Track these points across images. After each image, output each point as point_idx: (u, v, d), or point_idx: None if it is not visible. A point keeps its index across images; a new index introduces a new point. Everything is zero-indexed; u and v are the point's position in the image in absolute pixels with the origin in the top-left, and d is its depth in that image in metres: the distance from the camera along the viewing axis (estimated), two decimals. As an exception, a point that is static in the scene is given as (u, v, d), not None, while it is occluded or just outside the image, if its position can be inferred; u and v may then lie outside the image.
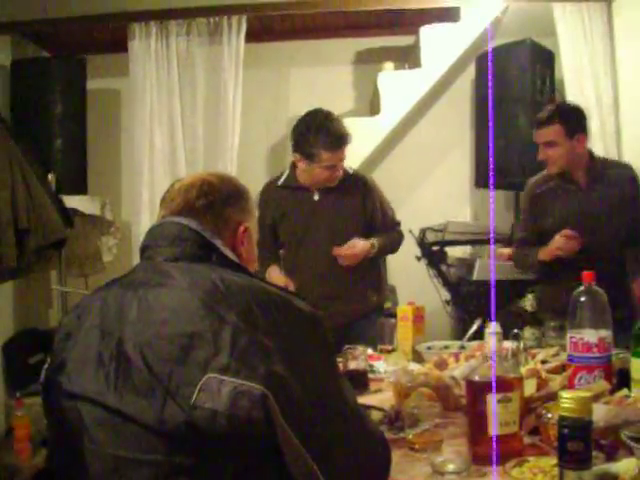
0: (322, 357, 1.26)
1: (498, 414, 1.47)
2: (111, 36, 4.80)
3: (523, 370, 1.86)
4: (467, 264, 3.87)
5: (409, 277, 4.65)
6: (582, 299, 1.78)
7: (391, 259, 4.85)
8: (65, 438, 1.24)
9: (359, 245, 3.03)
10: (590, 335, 1.74)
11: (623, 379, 1.79)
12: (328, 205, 3.11)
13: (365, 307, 3.15)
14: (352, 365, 2.29)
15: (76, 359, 1.25)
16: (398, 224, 3.32)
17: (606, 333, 1.76)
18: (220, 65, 4.55)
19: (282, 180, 3.20)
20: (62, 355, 1.29)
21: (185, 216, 1.39)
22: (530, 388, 1.70)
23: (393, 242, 3.25)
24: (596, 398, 1.57)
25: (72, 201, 4.35)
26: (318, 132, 2.97)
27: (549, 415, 1.53)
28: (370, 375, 2.36)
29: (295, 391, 1.16)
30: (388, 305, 4.52)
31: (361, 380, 2.23)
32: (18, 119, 4.41)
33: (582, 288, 1.80)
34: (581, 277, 1.79)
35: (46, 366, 1.37)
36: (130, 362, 1.18)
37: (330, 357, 1.29)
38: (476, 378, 1.53)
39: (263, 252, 2.79)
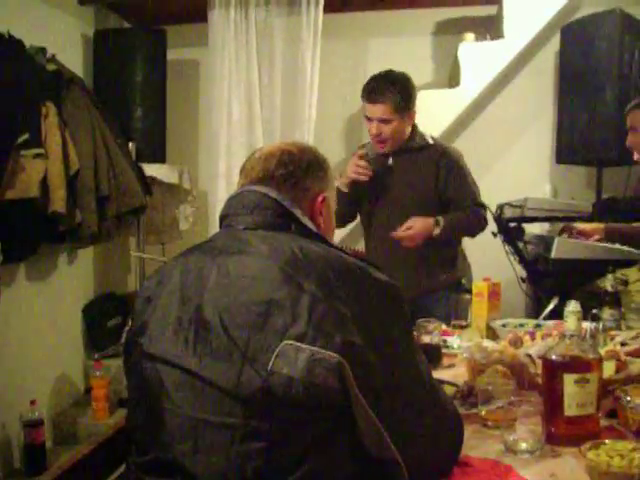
0: (398, 328, 1.26)
1: (574, 395, 1.44)
2: (191, 5, 4.84)
3: (602, 351, 1.82)
4: (545, 241, 3.76)
5: (484, 253, 4.55)
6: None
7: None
8: (145, 398, 1.28)
9: (417, 224, 2.92)
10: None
11: None
12: (400, 171, 3.05)
13: (432, 284, 3.07)
14: (425, 339, 2.27)
15: (156, 322, 1.28)
16: (480, 205, 3.15)
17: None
18: (298, 36, 4.55)
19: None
20: (143, 318, 1.32)
21: (265, 185, 1.40)
22: (609, 370, 1.66)
23: (468, 223, 3.11)
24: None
25: (151, 169, 4.44)
26: (368, 81, 3.06)
27: (627, 398, 1.49)
28: (443, 350, 2.34)
29: (371, 361, 1.16)
30: (463, 281, 4.49)
31: (434, 354, 2.21)
32: (100, 88, 4.51)
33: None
34: None
35: (127, 328, 1.41)
36: (209, 327, 1.20)
37: (406, 328, 1.29)
38: (553, 357, 1.50)
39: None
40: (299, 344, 1.13)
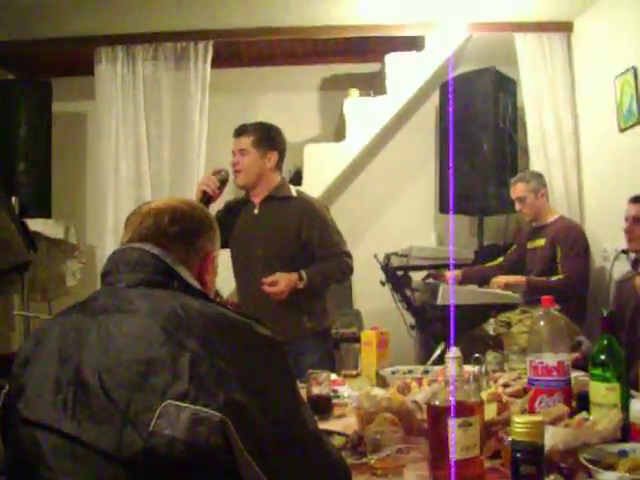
0: (282, 382, 1.26)
1: (459, 438, 1.48)
2: (77, 59, 4.79)
3: (484, 394, 1.88)
4: (431, 288, 3.90)
5: (374, 301, 4.68)
6: (541, 323, 1.81)
7: (356, 283, 4.90)
8: (22, 467, 1.22)
9: (282, 281, 2.94)
10: (549, 359, 1.77)
11: (583, 402, 1.81)
12: (264, 220, 3.10)
13: (297, 332, 3.04)
14: (315, 390, 2.28)
15: (34, 385, 1.24)
16: (344, 254, 3.14)
17: (565, 357, 1.79)
18: (186, 90, 4.59)
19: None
20: (20, 381, 1.27)
21: (154, 241, 1.39)
22: (491, 412, 1.72)
23: (332, 273, 3.13)
24: (555, 421, 1.59)
25: (36, 224, 4.30)
26: None
27: (509, 439, 1.54)
28: (334, 400, 2.36)
29: (255, 417, 1.16)
30: (354, 329, 4.56)
31: (325, 405, 2.22)
32: (-19, 142, 4.38)
33: (541, 313, 1.83)
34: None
35: (4, 392, 1.35)
36: (88, 388, 1.17)
37: (290, 382, 1.29)
38: (437, 402, 1.54)
39: None
40: (180, 403, 1.11)
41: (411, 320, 4.33)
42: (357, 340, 4.32)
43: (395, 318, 4.48)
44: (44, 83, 4.63)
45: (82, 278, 4.82)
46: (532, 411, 1.78)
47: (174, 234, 1.41)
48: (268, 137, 3.11)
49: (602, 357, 1.73)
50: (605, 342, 1.73)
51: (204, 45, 4.56)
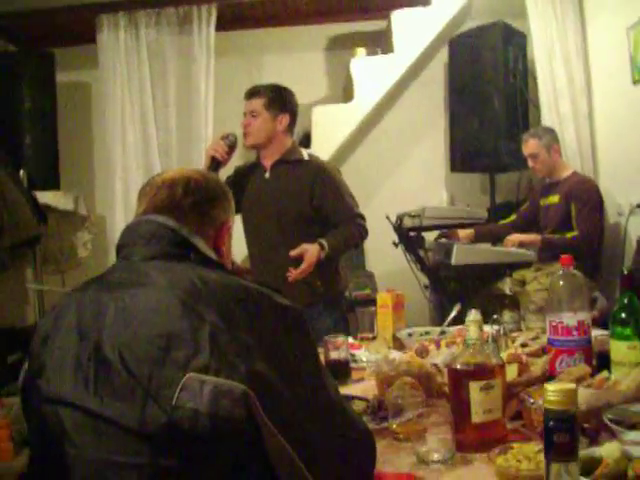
0: (303, 352, 1.25)
1: (481, 402, 1.47)
2: (79, 27, 4.72)
3: (504, 355, 1.87)
4: (445, 248, 3.87)
5: (387, 262, 4.67)
6: (560, 283, 1.79)
7: (368, 245, 4.87)
8: (46, 443, 1.22)
9: (309, 254, 2.91)
10: (569, 319, 1.75)
11: (603, 361, 1.79)
12: (276, 184, 3.07)
13: (310, 297, 3.02)
14: (333, 355, 2.27)
15: (54, 362, 1.23)
16: (359, 216, 3.12)
17: (585, 316, 1.77)
18: (191, 55, 4.53)
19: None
20: (40, 358, 1.26)
21: (168, 212, 1.37)
22: (512, 373, 1.70)
23: (349, 238, 3.10)
24: (577, 382, 1.58)
25: (45, 197, 4.29)
26: None
27: (531, 400, 1.53)
28: (352, 365, 2.35)
29: (277, 388, 1.15)
30: (368, 291, 4.56)
31: (343, 370, 2.22)
32: (-14, 116, 4.35)
33: (560, 272, 1.81)
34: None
35: (24, 369, 1.35)
36: (109, 364, 1.16)
37: (311, 351, 1.28)
38: (457, 366, 1.53)
39: None
40: (203, 376, 1.10)
41: (425, 280, 4.31)
42: (372, 302, 4.32)
43: (409, 279, 4.46)
44: (47, 54, 4.59)
45: (93, 248, 4.82)
46: (553, 371, 1.76)
47: (189, 205, 1.39)
48: (280, 99, 3.06)
49: (622, 315, 1.71)
50: (625, 300, 1.70)
51: (207, 8, 4.49)
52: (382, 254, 4.64)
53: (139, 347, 1.15)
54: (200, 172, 1.50)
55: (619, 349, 1.72)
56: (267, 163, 3.10)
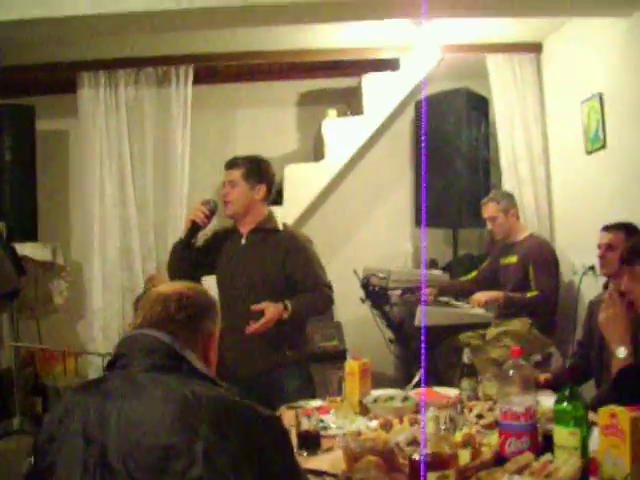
0: (286, 459, 1.43)
1: (437, 489, 1.65)
2: (60, 82, 4.87)
3: (459, 435, 2.06)
4: (409, 307, 4.08)
5: (354, 313, 4.85)
6: (510, 373, 1.99)
7: (336, 296, 5.06)
8: None
9: (269, 312, 3.03)
10: (518, 405, 1.94)
11: (548, 442, 1.99)
12: (251, 251, 3.22)
13: (277, 360, 3.17)
14: (305, 425, 2.43)
15: (63, 463, 1.39)
16: (326, 286, 3.26)
17: (532, 402, 1.96)
18: (168, 112, 4.72)
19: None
20: (49, 458, 1.42)
21: (163, 326, 1.54)
22: (464, 458, 1.89)
23: (314, 305, 3.25)
24: (521, 470, 1.77)
25: (24, 248, 4.40)
26: None
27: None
28: (322, 432, 2.51)
29: None
30: (335, 343, 4.73)
31: (314, 441, 2.37)
32: (-33, 168, 4.47)
33: (510, 362, 2.01)
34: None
35: (28, 462, 1.50)
36: (113, 471, 1.33)
37: (292, 456, 1.47)
38: (416, 457, 1.71)
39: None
40: None
41: (390, 334, 4.51)
42: (339, 354, 4.52)
43: (374, 330, 4.67)
44: (27, 107, 4.71)
45: (69, 295, 4.94)
46: (503, 451, 1.95)
47: (181, 320, 1.56)
48: (258, 170, 3.23)
49: (564, 404, 1.90)
50: (567, 392, 1.90)
51: (185, 68, 4.68)
52: (349, 304, 4.82)
53: (141, 457, 1.32)
54: (191, 287, 1.67)
55: (561, 434, 1.91)
56: (244, 230, 3.26)
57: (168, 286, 1.66)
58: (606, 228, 3.27)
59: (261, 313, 3.05)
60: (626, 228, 3.19)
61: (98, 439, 1.38)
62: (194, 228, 3.20)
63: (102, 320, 4.61)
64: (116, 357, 1.55)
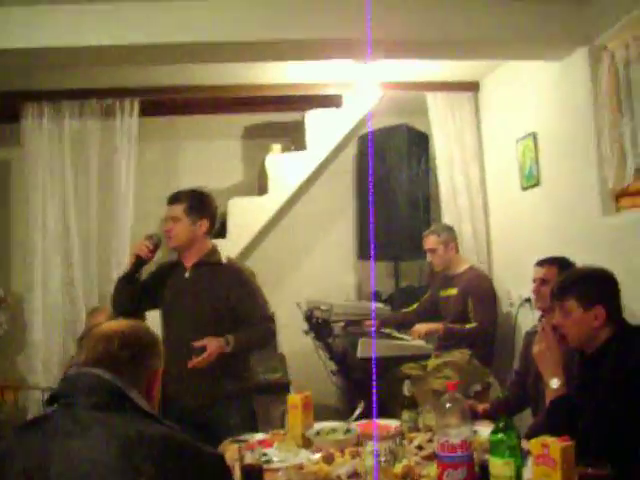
0: None
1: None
2: (3, 108, 4.82)
3: (399, 467, 2.12)
4: (351, 339, 4.15)
5: (297, 345, 4.88)
6: (447, 405, 2.06)
7: (280, 328, 5.09)
8: None
9: (211, 345, 3.05)
10: (455, 437, 2.01)
11: (484, 471, 2.06)
12: (195, 284, 3.25)
13: (219, 393, 3.19)
14: (248, 457, 2.45)
15: None
16: (269, 319, 3.33)
17: (468, 434, 2.04)
18: (113, 144, 4.71)
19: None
20: None
21: (106, 365, 1.55)
22: (404, 489, 1.95)
23: (257, 338, 3.30)
24: (458, 500, 1.84)
25: (-39, 281, 4.34)
26: None
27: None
28: (264, 465, 2.53)
29: None
30: (279, 375, 4.75)
31: (257, 475, 2.39)
32: None
33: (447, 395, 2.08)
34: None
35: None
36: None
37: None
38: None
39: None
40: None
41: (333, 365, 4.56)
42: (283, 386, 4.54)
43: (317, 361, 4.71)
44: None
45: (9, 328, 4.86)
46: (441, 482, 2.02)
47: (124, 358, 1.59)
48: (200, 205, 3.27)
49: (499, 436, 1.98)
50: (501, 424, 1.98)
51: (130, 101, 4.69)
52: (293, 337, 4.86)
53: None
54: (133, 324, 1.70)
55: (496, 464, 1.98)
56: (188, 263, 3.29)
57: (111, 324, 1.68)
58: (540, 263, 3.39)
59: (203, 348, 3.07)
60: (559, 262, 3.31)
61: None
62: (138, 262, 3.22)
63: (43, 353, 4.53)
64: (59, 395, 1.56)
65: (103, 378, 1.54)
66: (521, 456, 2.02)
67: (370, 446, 1.77)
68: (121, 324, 1.68)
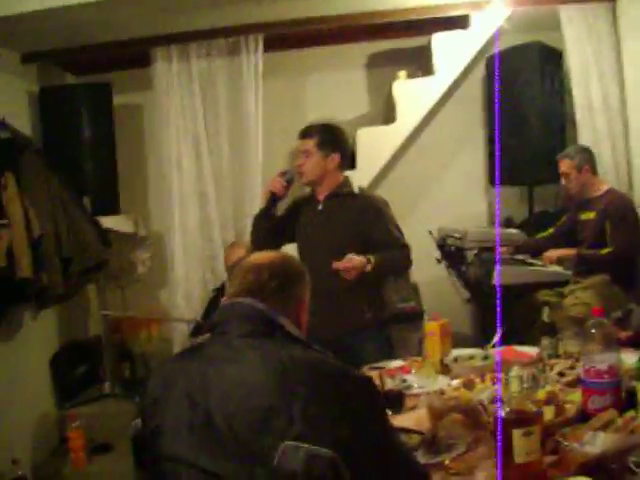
0: (377, 416, 1.52)
1: (522, 446, 1.69)
2: (134, 57, 4.99)
3: (542, 393, 2.09)
4: (486, 267, 4.07)
5: (430, 274, 4.87)
6: (592, 331, 2.00)
7: (413, 258, 5.11)
8: None
9: (355, 259, 3.09)
10: (601, 363, 1.96)
11: (631, 398, 2.00)
12: (329, 216, 3.30)
13: (358, 322, 3.25)
14: (389, 383, 2.51)
15: (170, 426, 1.50)
16: (405, 247, 3.33)
17: (615, 360, 1.98)
18: (240, 82, 4.78)
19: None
20: (155, 421, 1.54)
21: (257, 294, 1.62)
22: (549, 413, 1.93)
23: (395, 261, 3.30)
24: (606, 426, 1.80)
25: (107, 221, 4.60)
26: None
27: (566, 443, 1.75)
28: (405, 391, 2.58)
29: (359, 451, 1.42)
30: (412, 304, 4.76)
31: (398, 401, 2.44)
32: (50, 146, 4.64)
33: (592, 321, 2.02)
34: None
35: (135, 425, 1.62)
36: (219, 431, 1.43)
37: (383, 415, 1.55)
38: (502, 415, 1.75)
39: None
40: (298, 443, 1.36)
41: (466, 293, 4.53)
42: (416, 315, 4.56)
43: (450, 289, 4.69)
44: (104, 84, 4.85)
45: (152, 265, 5.13)
46: (586, 408, 1.98)
47: (273, 288, 1.65)
48: (331, 139, 3.30)
49: (648, 359, 1.92)
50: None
51: (254, 37, 4.71)
52: (425, 266, 4.83)
53: (244, 418, 1.42)
54: (281, 255, 1.76)
55: (645, 390, 1.92)
56: (320, 196, 3.34)
57: (260, 255, 1.74)
58: None
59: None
60: None
61: (202, 402, 1.47)
62: (273, 199, 3.30)
63: (184, 288, 4.76)
64: (214, 324, 1.64)
65: (255, 307, 1.60)
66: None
67: (515, 371, 1.75)
68: (270, 255, 1.74)
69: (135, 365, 5.07)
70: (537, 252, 4.42)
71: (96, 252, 4.16)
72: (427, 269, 4.80)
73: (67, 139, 4.67)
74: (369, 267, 3.12)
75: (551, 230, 4.53)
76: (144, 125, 5.43)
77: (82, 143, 4.68)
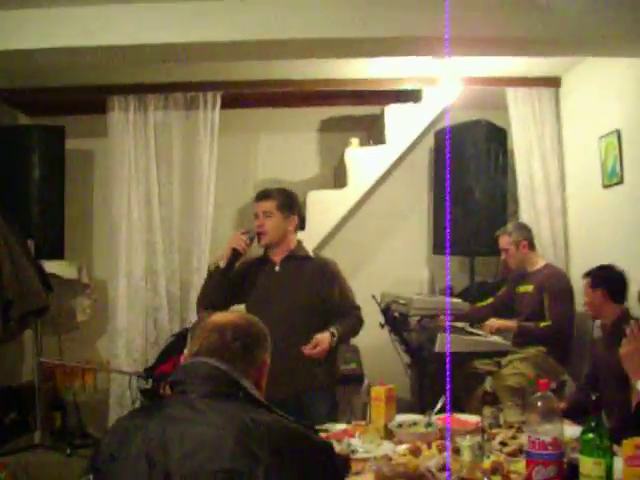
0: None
1: (471, 514, 1.74)
2: (90, 103, 5.00)
3: (488, 463, 2.15)
4: (429, 334, 4.17)
5: (371, 337, 4.90)
6: (538, 404, 2.08)
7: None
8: None
9: (324, 341, 3.20)
10: (545, 435, 2.03)
11: (573, 471, 2.07)
12: (286, 277, 3.35)
13: (312, 384, 3.29)
14: (336, 448, 2.51)
15: None
16: (358, 308, 3.47)
17: (559, 432, 2.05)
18: (196, 136, 4.84)
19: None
20: (110, 477, 1.52)
21: (219, 355, 1.63)
22: (495, 483, 1.99)
23: (353, 327, 3.45)
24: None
25: (50, 266, 4.53)
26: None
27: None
28: (350, 455, 2.60)
29: None
30: (354, 366, 4.80)
31: (345, 465, 2.45)
32: (-1, 185, 4.58)
33: (538, 394, 2.10)
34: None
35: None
36: None
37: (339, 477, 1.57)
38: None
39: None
40: None
41: (407, 358, 4.59)
42: (358, 378, 4.60)
43: (391, 354, 4.74)
44: (57, 128, 4.83)
45: (92, 313, 5.04)
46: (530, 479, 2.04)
47: (237, 349, 1.66)
48: (289, 202, 3.39)
49: (590, 435, 1.99)
50: (593, 423, 1.99)
51: (212, 94, 4.81)
52: (367, 328, 4.89)
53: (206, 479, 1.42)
54: (244, 317, 1.77)
55: (587, 463, 2.00)
56: (276, 258, 3.38)
57: (223, 315, 1.76)
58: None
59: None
60: None
61: (161, 462, 1.46)
62: (234, 255, 3.32)
63: (125, 337, 4.70)
64: (174, 383, 1.65)
65: (218, 367, 1.61)
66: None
67: (467, 440, 1.81)
68: (233, 316, 1.76)
69: (67, 415, 4.94)
70: (475, 321, 4.54)
71: (38, 297, 4.08)
72: (369, 333, 4.85)
73: (16, 179, 4.63)
74: (334, 340, 3.24)
75: (490, 300, 4.67)
76: (95, 171, 5.42)
77: (31, 185, 4.65)
